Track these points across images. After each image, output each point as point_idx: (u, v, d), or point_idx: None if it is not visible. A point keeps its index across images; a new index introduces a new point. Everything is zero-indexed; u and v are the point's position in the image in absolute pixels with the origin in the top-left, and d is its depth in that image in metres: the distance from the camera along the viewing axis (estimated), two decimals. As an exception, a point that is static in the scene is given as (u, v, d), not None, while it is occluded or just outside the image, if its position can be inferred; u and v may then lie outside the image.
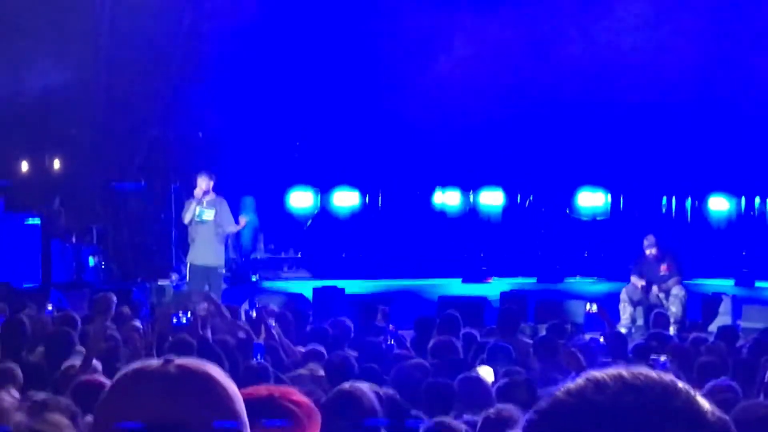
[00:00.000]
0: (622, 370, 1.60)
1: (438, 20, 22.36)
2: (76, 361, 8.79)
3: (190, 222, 16.19)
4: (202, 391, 2.01)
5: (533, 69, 22.23)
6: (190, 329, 9.89)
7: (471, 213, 23.36)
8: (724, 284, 20.21)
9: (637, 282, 17.19)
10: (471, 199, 23.34)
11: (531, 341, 11.48)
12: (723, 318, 16.33)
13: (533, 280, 21.82)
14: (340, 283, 18.67)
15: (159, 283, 19.29)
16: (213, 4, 21.71)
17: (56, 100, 20.52)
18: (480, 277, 21.94)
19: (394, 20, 22.14)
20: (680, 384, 1.59)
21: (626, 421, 1.53)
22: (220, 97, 21.33)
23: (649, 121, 22.27)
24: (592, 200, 23.24)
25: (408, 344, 11.69)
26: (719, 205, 22.91)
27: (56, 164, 22.38)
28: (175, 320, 9.89)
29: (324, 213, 23.04)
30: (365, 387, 5.35)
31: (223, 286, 17.04)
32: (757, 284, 21.09)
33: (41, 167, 22.23)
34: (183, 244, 19.42)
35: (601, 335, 12.15)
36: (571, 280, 22.17)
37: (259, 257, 22.57)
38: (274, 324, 10.90)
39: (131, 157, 21.81)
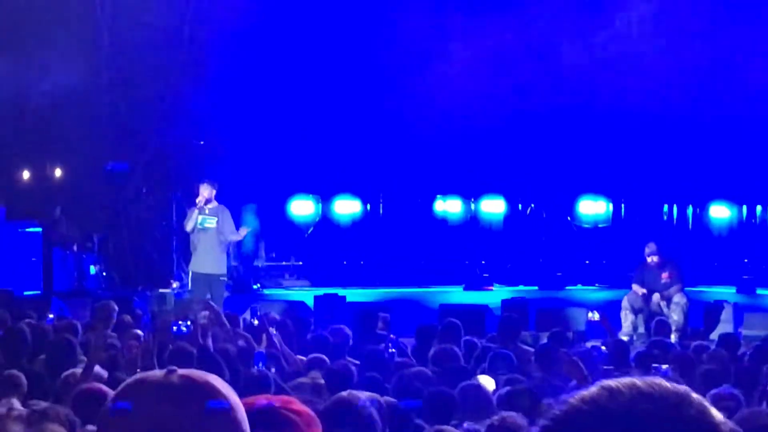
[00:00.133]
0: (635, 379, 1.61)
1: (438, 29, 22.38)
2: (79, 369, 8.78)
3: (192, 230, 16.23)
4: (204, 401, 2.02)
5: (534, 77, 22.24)
6: (190, 338, 9.88)
7: (472, 221, 23.36)
8: (726, 292, 20.20)
9: (639, 290, 17.19)
10: (472, 207, 23.34)
11: (532, 349, 11.47)
12: (724, 326, 16.32)
13: (535, 287, 21.82)
14: (341, 291, 18.67)
15: (160, 291, 19.28)
16: (213, 12, 21.72)
17: (57, 108, 20.54)
18: (481, 285, 21.93)
19: (396, 28, 22.15)
20: (694, 394, 1.60)
21: (640, 429, 1.54)
22: (221, 104, 21.33)
23: (651, 129, 22.28)
24: (593, 208, 23.25)
25: (409, 352, 11.68)
26: (720, 212, 22.92)
27: (57, 173, 22.39)
28: (175, 328, 9.87)
29: (325, 221, 23.04)
30: (363, 395, 5.34)
31: (225, 294, 17.07)
32: (759, 292, 21.09)
33: (42, 176, 22.25)
34: (184, 252, 19.43)
35: (602, 343, 12.14)
36: (573, 288, 22.16)
37: (260, 265, 22.58)
38: (275, 332, 10.89)
39: (133, 165, 21.81)
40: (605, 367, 10.21)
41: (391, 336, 11.76)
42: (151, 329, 11.00)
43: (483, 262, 22.82)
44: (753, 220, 23.08)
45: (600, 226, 23.25)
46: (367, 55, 22.21)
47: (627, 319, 16.93)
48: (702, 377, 9.43)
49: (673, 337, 15.22)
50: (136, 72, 20.99)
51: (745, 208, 23.05)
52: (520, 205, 23.50)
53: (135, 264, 21.56)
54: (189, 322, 10.05)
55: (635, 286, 17.29)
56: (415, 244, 23.11)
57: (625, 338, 15.06)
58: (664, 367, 9.66)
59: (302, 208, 22.93)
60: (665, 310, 16.91)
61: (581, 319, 15.63)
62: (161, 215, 21.91)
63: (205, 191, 16.06)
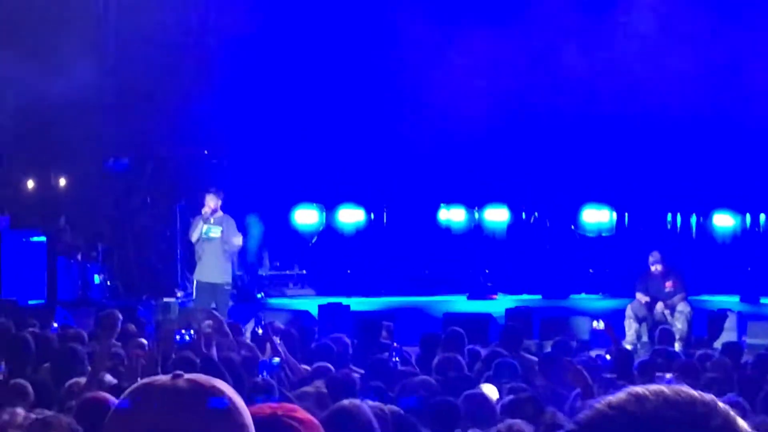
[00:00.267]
0: (663, 386, 1.61)
1: (441, 38, 22.41)
2: (83, 378, 8.79)
3: (197, 240, 16.30)
4: (210, 406, 2.03)
5: (538, 86, 22.28)
6: (193, 346, 9.90)
7: (476, 230, 23.36)
8: (730, 300, 20.19)
9: (642, 298, 17.19)
10: (476, 216, 23.35)
11: (535, 358, 11.49)
12: (728, 334, 16.33)
13: (538, 296, 21.82)
14: (345, 300, 18.69)
15: (164, 300, 19.31)
16: (218, 21, 21.78)
17: (62, 118, 20.57)
18: (485, 294, 21.93)
19: (400, 38, 22.20)
20: (720, 404, 1.60)
21: None
22: (225, 114, 21.37)
23: (655, 138, 22.30)
24: (597, 217, 23.24)
25: (413, 361, 11.69)
26: (724, 221, 22.90)
27: (62, 182, 22.43)
28: (178, 338, 9.89)
29: (329, 230, 23.05)
30: (363, 404, 5.36)
31: (230, 303, 17.11)
32: (763, 300, 21.07)
33: (47, 185, 22.29)
34: (188, 261, 19.48)
35: (606, 352, 12.15)
36: (577, 296, 22.16)
37: (264, 274, 22.59)
38: (279, 341, 10.91)
39: (137, 175, 21.85)
40: (608, 375, 10.21)
41: (395, 345, 11.78)
42: (156, 338, 11.02)
43: (487, 271, 22.81)
44: (756, 229, 23.07)
45: (604, 234, 23.24)
46: (370, 64, 22.25)
47: (631, 327, 16.94)
48: (706, 386, 9.44)
49: (677, 346, 15.24)
50: (141, 81, 21.02)
51: (748, 216, 23.04)
52: (523, 214, 23.51)
53: (139, 273, 21.59)
54: (192, 331, 10.07)
55: (639, 295, 17.29)
56: (418, 253, 23.12)
57: (629, 347, 15.08)
58: (668, 375, 9.67)
59: (306, 217, 22.95)
60: (669, 318, 16.91)
61: (585, 327, 15.65)
62: (165, 224, 21.94)
63: (211, 202, 16.15)
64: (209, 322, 11.11)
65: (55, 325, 13.53)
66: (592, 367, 9.95)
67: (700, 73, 21.70)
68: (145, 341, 10.70)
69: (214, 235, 16.16)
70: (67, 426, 5.97)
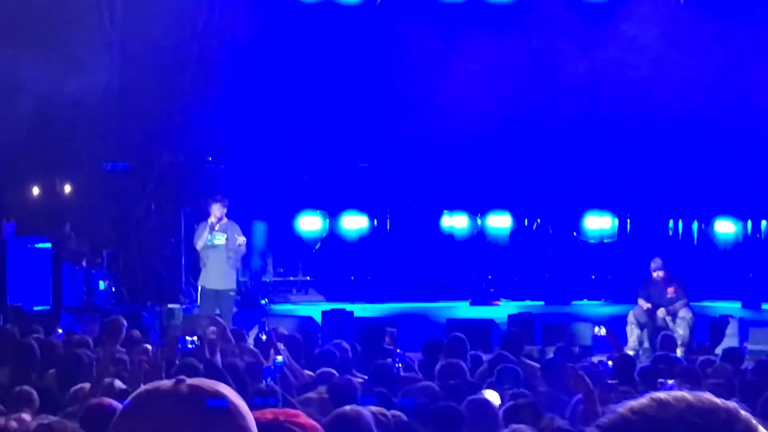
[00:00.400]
0: (685, 393, 1.63)
1: (445, 45, 22.47)
2: (88, 384, 8.84)
3: (203, 247, 16.40)
4: (218, 409, 2.06)
5: (540, 93, 22.33)
6: (197, 353, 9.94)
7: (479, 236, 23.36)
8: (731, 307, 20.20)
9: (644, 305, 17.23)
10: (478, 223, 23.37)
11: (536, 364, 11.53)
12: (730, 340, 16.36)
13: (541, 302, 21.83)
14: (348, 306, 18.73)
15: (169, 306, 19.36)
16: (222, 29, 21.84)
17: (67, 125, 20.63)
18: (488, 300, 21.95)
19: (403, 45, 22.25)
20: (742, 411, 1.63)
21: None
22: (229, 121, 21.43)
23: (656, 144, 22.33)
24: (599, 223, 23.24)
25: (416, 367, 11.73)
26: (725, 228, 22.90)
27: (67, 189, 22.49)
28: (181, 344, 9.93)
29: (332, 237, 23.07)
30: (364, 410, 5.41)
31: (234, 309, 17.17)
32: (764, 306, 21.05)
33: (52, 192, 22.35)
34: (192, 267, 19.52)
35: (608, 358, 12.18)
36: (579, 302, 22.17)
37: (268, 281, 22.62)
38: (283, 347, 10.95)
39: (143, 182, 21.91)
40: (610, 381, 10.25)
41: (398, 351, 11.83)
42: (160, 344, 11.08)
43: (489, 277, 22.83)
44: (758, 235, 23.06)
45: (606, 241, 23.25)
46: (373, 71, 22.30)
47: (633, 333, 16.98)
48: (707, 392, 9.46)
49: (678, 352, 15.26)
50: (146, 88, 21.07)
51: (750, 223, 23.04)
52: (526, 221, 23.52)
53: (144, 279, 21.63)
54: (196, 338, 10.11)
55: (641, 301, 17.33)
56: (421, 260, 23.13)
57: (630, 353, 15.10)
58: (670, 382, 9.71)
59: (310, 223, 22.97)
60: (671, 324, 16.96)
61: (587, 333, 15.69)
62: (170, 231, 21.98)
63: (217, 211, 16.27)
64: (213, 328, 11.17)
65: (60, 331, 13.61)
66: (594, 372, 9.98)
67: (701, 80, 21.75)
68: (149, 347, 10.75)
69: (219, 242, 16.26)
70: (72, 431, 6.02)
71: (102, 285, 20.76)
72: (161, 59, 20.91)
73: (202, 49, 21.87)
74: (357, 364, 11.58)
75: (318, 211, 22.91)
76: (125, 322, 10.98)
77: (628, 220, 23.38)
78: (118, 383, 8.51)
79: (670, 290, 17.31)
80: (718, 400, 1.64)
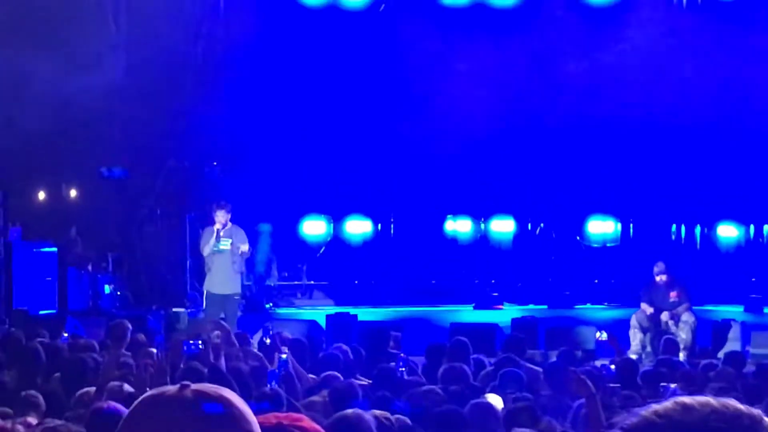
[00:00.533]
0: (710, 398, 1.65)
1: (446, 50, 22.51)
2: (93, 388, 8.88)
3: (209, 253, 16.49)
4: (218, 415, 2.08)
5: (543, 98, 22.36)
6: (201, 357, 9.98)
7: (482, 240, 23.39)
8: (734, 311, 20.22)
9: (647, 308, 17.27)
10: (482, 227, 23.40)
11: (538, 368, 11.56)
12: (732, 344, 16.40)
13: (544, 306, 21.86)
14: (353, 310, 18.78)
15: (174, 310, 19.41)
16: (226, 33, 21.89)
17: (72, 129, 20.67)
18: (491, 304, 21.98)
19: (405, 49, 22.29)
20: (766, 418, 1.64)
21: None
22: (234, 125, 21.47)
23: (659, 149, 22.36)
24: (602, 228, 23.27)
25: (419, 371, 11.78)
26: (728, 232, 22.92)
27: (72, 193, 22.54)
28: (186, 348, 9.97)
29: (337, 241, 23.12)
30: (366, 413, 5.45)
31: (239, 313, 17.23)
32: (766, 310, 21.08)
33: (58, 196, 22.40)
34: (197, 272, 19.59)
35: (611, 362, 12.24)
36: (582, 306, 22.19)
37: (272, 285, 22.66)
38: (287, 351, 10.99)
39: (148, 186, 21.95)
40: (613, 385, 10.30)
41: (401, 355, 11.87)
42: (165, 348, 11.12)
43: (493, 281, 22.86)
44: (760, 240, 23.10)
45: (609, 245, 23.28)
46: (377, 78, 22.34)
47: (635, 337, 17.02)
48: (710, 395, 9.49)
49: (681, 356, 15.30)
50: (151, 92, 21.11)
51: (752, 227, 23.07)
52: (529, 225, 23.53)
53: (149, 283, 21.67)
54: (201, 342, 10.16)
55: (644, 305, 17.37)
56: (425, 264, 23.16)
57: (633, 356, 15.16)
58: (673, 385, 9.75)
59: (314, 228, 23.01)
60: (673, 328, 17.00)
61: (590, 337, 15.73)
62: (175, 235, 22.03)
63: (222, 217, 16.35)
64: (218, 333, 11.22)
65: (66, 334, 13.63)
66: (596, 376, 10.03)
67: (705, 84, 21.77)
68: (154, 351, 10.79)
69: (224, 247, 16.34)
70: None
71: (107, 289, 20.81)
72: (166, 64, 20.96)
73: (206, 54, 21.92)
74: (361, 368, 11.63)
75: (322, 216, 22.95)
76: (130, 326, 11.04)
77: (631, 225, 23.40)
78: (127, 387, 8.55)
79: (673, 294, 17.35)
80: (742, 407, 1.64)
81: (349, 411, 5.44)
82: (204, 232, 16.88)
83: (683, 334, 16.80)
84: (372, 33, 22.54)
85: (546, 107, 22.34)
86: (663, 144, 22.30)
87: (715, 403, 1.63)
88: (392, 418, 6.67)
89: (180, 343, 10.11)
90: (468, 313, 21.21)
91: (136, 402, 2.17)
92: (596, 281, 22.97)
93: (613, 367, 11.71)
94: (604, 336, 13.49)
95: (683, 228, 23.37)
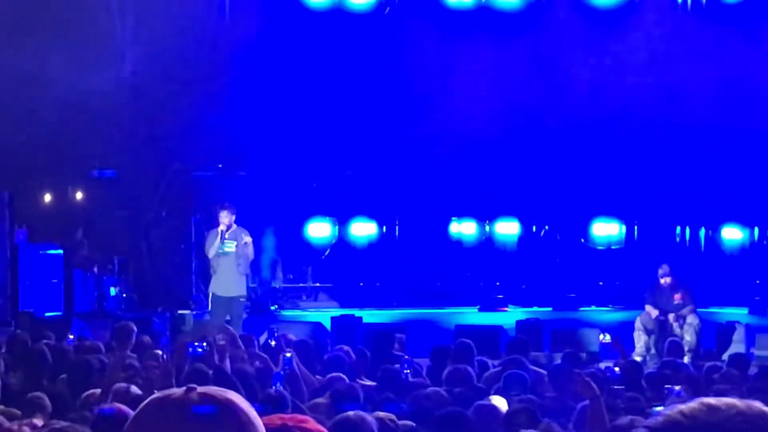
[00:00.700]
0: (735, 399, 1.66)
1: (452, 52, 22.54)
2: (99, 390, 8.90)
3: (214, 255, 16.53)
4: (224, 417, 2.10)
5: (548, 101, 22.39)
6: (206, 359, 10.00)
7: (487, 243, 23.40)
8: (738, 313, 20.21)
9: (652, 311, 17.27)
10: (487, 229, 23.41)
11: (542, 370, 11.57)
12: (737, 346, 16.39)
13: (549, 309, 21.87)
14: (358, 312, 18.81)
15: (179, 312, 19.45)
16: (232, 35, 21.93)
17: (78, 132, 20.73)
18: (496, 306, 22.00)
19: (411, 52, 22.32)
20: None
21: None
22: (240, 127, 21.51)
23: (663, 151, 22.37)
24: (606, 230, 23.27)
25: (424, 373, 11.80)
26: (733, 234, 22.93)
27: (78, 195, 22.59)
28: (190, 350, 10.00)
29: (342, 243, 23.14)
30: (368, 416, 5.46)
31: (244, 315, 17.26)
32: (771, 312, 21.13)
33: (64, 198, 22.45)
34: (203, 274, 19.62)
35: (615, 364, 12.24)
36: (586, 309, 22.20)
37: (277, 287, 22.70)
38: (292, 353, 11.01)
39: (154, 189, 22.00)
40: (617, 387, 10.31)
41: (406, 356, 11.89)
42: (170, 350, 11.15)
43: (498, 283, 22.88)
44: (765, 242, 23.08)
45: (613, 247, 23.29)
46: (381, 79, 22.36)
47: (640, 339, 17.03)
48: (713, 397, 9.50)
49: (685, 358, 15.31)
50: (157, 95, 21.16)
51: (757, 230, 23.07)
52: (534, 227, 23.55)
53: (154, 285, 21.72)
54: (205, 344, 10.18)
55: (648, 307, 17.37)
56: (430, 266, 23.19)
57: (638, 359, 15.16)
58: (677, 387, 9.76)
59: (319, 230, 23.03)
60: (678, 331, 17.00)
61: (595, 339, 15.73)
62: (181, 238, 22.07)
63: (226, 218, 16.38)
64: (222, 335, 11.23)
65: (71, 336, 13.66)
66: (601, 378, 10.04)
67: (709, 87, 21.78)
68: (159, 352, 10.82)
69: (230, 250, 16.37)
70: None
71: (113, 291, 20.86)
72: (172, 66, 21.01)
73: (212, 57, 21.96)
74: (365, 370, 11.65)
75: (327, 218, 22.98)
76: (135, 328, 11.06)
77: (636, 227, 23.40)
78: (133, 389, 8.58)
79: (677, 296, 17.35)
80: (767, 408, 1.65)
81: (351, 413, 5.45)
82: (209, 235, 16.91)
83: (688, 337, 16.81)
84: (377, 35, 22.57)
85: (551, 109, 22.37)
86: (667, 146, 22.31)
87: (740, 404, 1.64)
88: (396, 420, 6.69)
89: (185, 345, 10.13)
90: (473, 315, 21.24)
91: (141, 405, 2.18)
92: (601, 283, 22.98)
93: (617, 369, 11.71)
94: (608, 338, 13.49)
95: (688, 230, 23.37)
